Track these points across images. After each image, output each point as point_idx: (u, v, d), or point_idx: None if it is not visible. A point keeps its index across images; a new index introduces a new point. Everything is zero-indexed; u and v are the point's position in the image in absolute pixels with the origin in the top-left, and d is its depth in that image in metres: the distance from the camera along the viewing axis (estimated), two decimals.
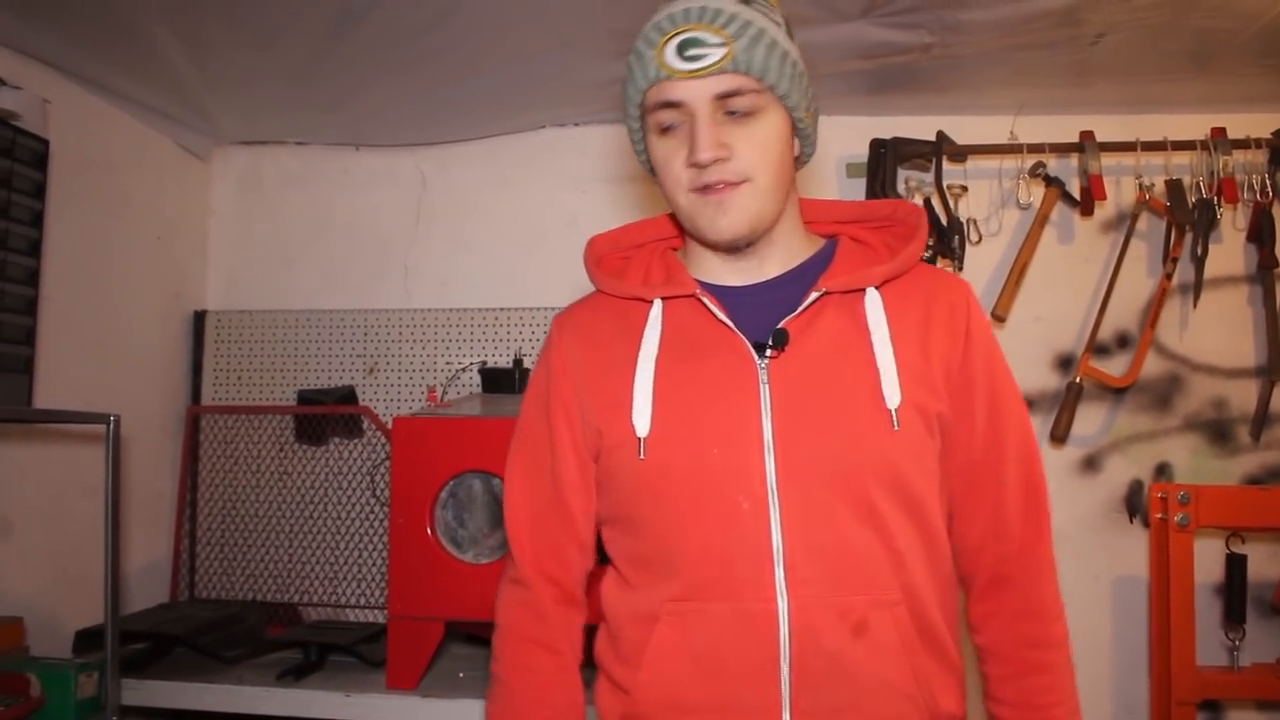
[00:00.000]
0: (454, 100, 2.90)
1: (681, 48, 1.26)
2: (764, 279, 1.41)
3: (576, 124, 3.18)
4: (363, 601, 3.03)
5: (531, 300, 3.12)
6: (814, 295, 1.35)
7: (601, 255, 1.53)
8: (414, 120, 3.09)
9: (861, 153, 2.94)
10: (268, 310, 3.25)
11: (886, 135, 2.88)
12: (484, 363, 3.09)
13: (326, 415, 3.09)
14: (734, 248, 1.37)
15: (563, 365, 1.45)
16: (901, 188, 2.90)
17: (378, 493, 3.05)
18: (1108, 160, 2.87)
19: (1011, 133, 2.91)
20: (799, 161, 1.40)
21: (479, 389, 3.03)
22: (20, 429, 2.45)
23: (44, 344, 2.22)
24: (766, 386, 1.33)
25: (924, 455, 1.35)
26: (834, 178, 3.03)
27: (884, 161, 2.87)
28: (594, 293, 1.50)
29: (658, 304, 1.40)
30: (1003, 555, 1.40)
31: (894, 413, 1.30)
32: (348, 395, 3.11)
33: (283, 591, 3.07)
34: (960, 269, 2.82)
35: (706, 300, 1.37)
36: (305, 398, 3.12)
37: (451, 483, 2.32)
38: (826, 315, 1.37)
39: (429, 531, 2.27)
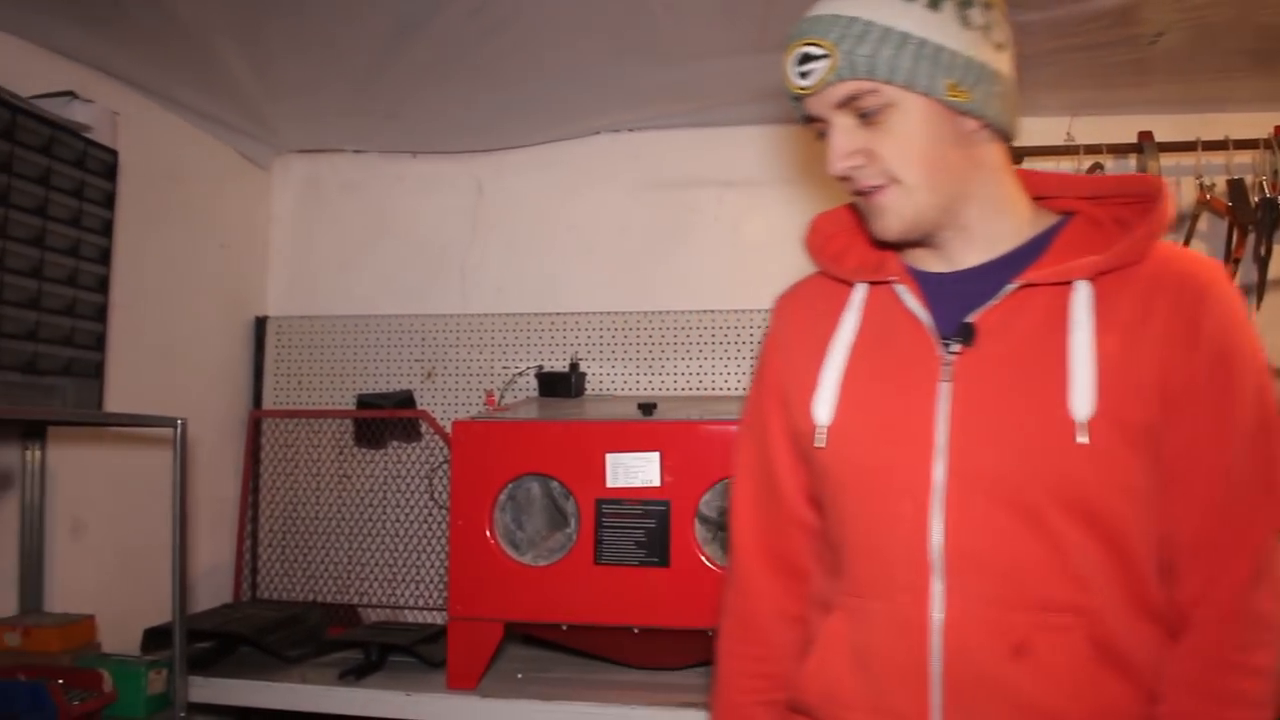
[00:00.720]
0: (510, 108, 2.93)
1: (799, 62, 1.26)
2: (964, 267, 1.34)
3: (631, 130, 3.20)
4: (421, 603, 3.07)
5: (587, 305, 3.15)
6: (1010, 288, 1.27)
7: (828, 234, 1.48)
8: (470, 128, 3.12)
9: None
10: (327, 316, 3.30)
11: None
12: (540, 367, 3.12)
13: (385, 419, 3.13)
14: (910, 243, 1.33)
15: (773, 345, 1.48)
16: None
17: (435, 495, 3.09)
18: (1167, 160, 2.83)
19: (1068, 134, 2.89)
20: (994, 134, 1.29)
21: (536, 393, 3.05)
22: (91, 432, 2.51)
23: (113, 349, 2.27)
24: (948, 385, 1.28)
25: (1121, 473, 1.22)
26: None
27: None
28: (815, 272, 1.48)
29: (860, 288, 1.39)
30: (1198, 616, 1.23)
31: (1082, 425, 1.19)
32: (406, 399, 3.15)
33: (343, 593, 3.12)
34: None
35: (902, 288, 1.33)
36: (364, 402, 3.16)
37: (510, 485, 2.33)
38: (1028, 310, 1.27)
39: (488, 534, 2.29)
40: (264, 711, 2.53)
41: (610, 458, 2.25)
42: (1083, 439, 1.19)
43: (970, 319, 1.29)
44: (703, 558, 2.19)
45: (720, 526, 2.33)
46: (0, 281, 1.91)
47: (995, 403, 1.25)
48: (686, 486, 2.22)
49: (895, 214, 1.28)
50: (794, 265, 3.04)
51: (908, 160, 1.25)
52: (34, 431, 2.30)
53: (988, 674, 1.23)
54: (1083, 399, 1.20)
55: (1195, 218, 2.84)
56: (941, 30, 1.22)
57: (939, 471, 1.26)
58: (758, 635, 1.49)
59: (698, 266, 3.12)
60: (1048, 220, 1.34)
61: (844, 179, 1.28)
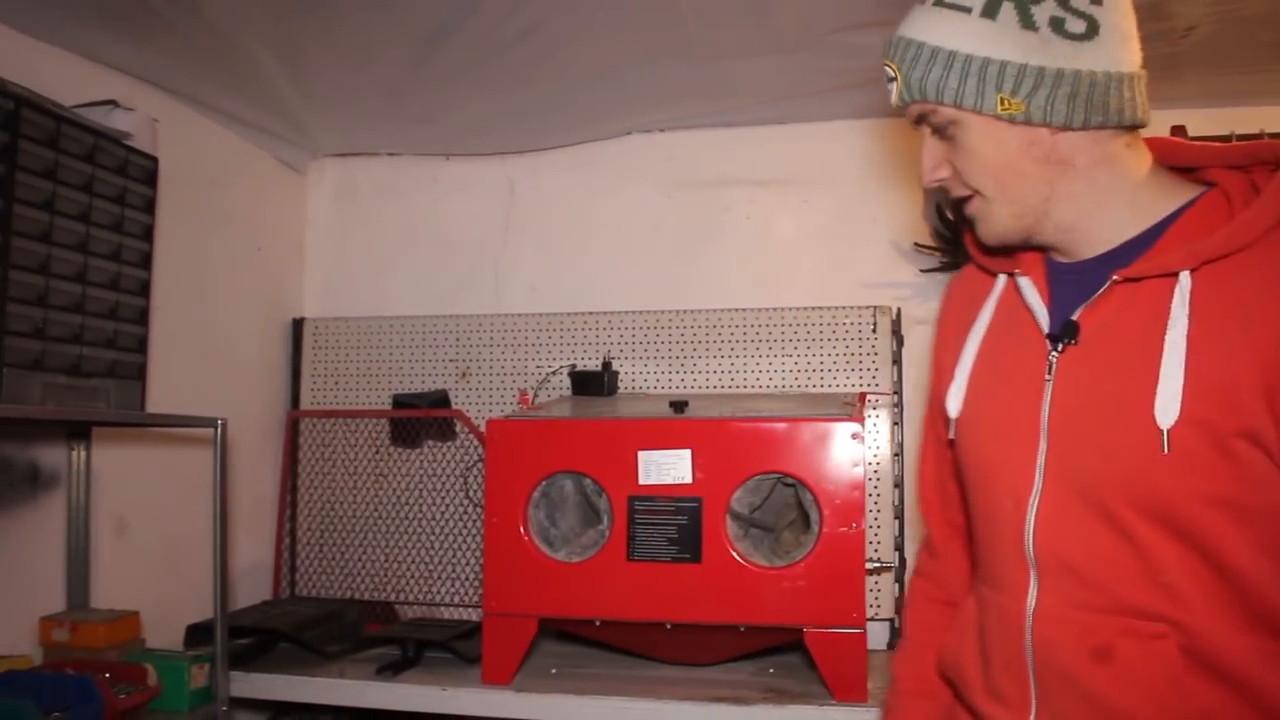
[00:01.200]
0: (541, 110, 2.95)
1: (887, 80, 1.30)
2: (1083, 258, 1.30)
3: (662, 130, 3.21)
4: (457, 600, 3.10)
5: (619, 304, 3.17)
6: (1110, 283, 1.23)
7: None
8: (502, 130, 3.15)
9: None
10: (363, 317, 3.33)
11: None
12: (574, 366, 3.14)
13: (421, 419, 3.16)
14: (1023, 245, 1.33)
15: (937, 329, 1.54)
16: None
17: (470, 494, 3.12)
18: None
19: None
20: (1084, 127, 1.22)
21: (569, 392, 3.08)
22: (134, 432, 2.56)
23: (154, 352, 2.31)
24: (1051, 383, 1.28)
25: (1210, 483, 1.15)
26: (919, 176, 3.01)
27: None
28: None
29: (1001, 279, 1.40)
30: None
31: (1165, 432, 1.14)
32: (441, 399, 3.19)
33: (380, 590, 3.16)
34: None
35: (1025, 280, 1.34)
36: (400, 402, 3.20)
37: (544, 483, 2.35)
38: (1132, 305, 1.23)
39: (522, 531, 2.31)
40: (303, 706, 2.58)
41: (642, 455, 2.27)
42: (1166, 449, 1.14)
43: (1075, 316, 1.27)
44: (734, 554, 2.20)
45: (751, 523, 2.35)
46: (46, 287, 1.96)
47: (1088, 404, 1.24)
48: (718, 483, 2.23)
49: (984, 223, 1.30)
50: (824, 263, 3.07)
51: (980, 173, 1.26)
52: (79, 432, 2.35)
53: (1071, 674, 1.24)
54: (1168, 405, 1.15)
55: None
56: (995, 40, 1.20)
57: (1038, 470, 1.27)
58: (946, 589, 1.58)
59: (729, 265, 3.13)
60: (1183, 198, 1.25)
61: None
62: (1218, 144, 1.28)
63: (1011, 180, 1.25)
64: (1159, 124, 2.84)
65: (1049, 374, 1.28)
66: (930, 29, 1.24)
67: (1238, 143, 1.26)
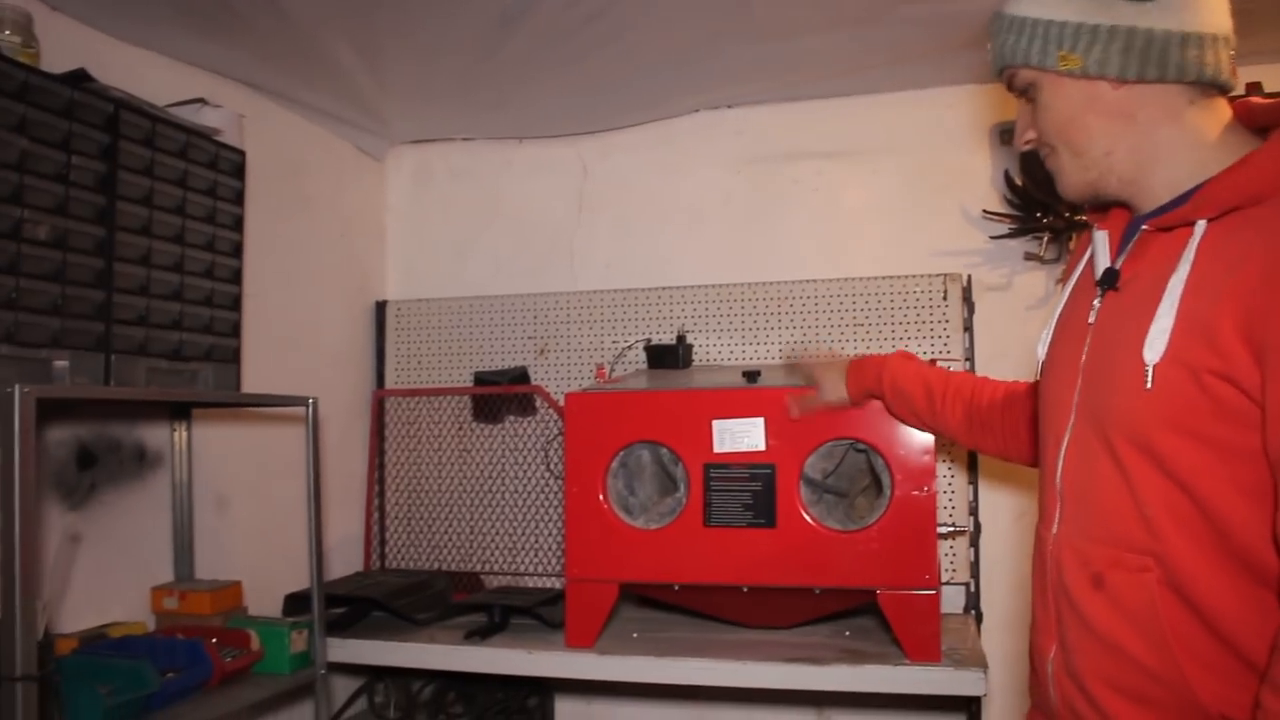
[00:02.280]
0: (610, 92, 3.01)
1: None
2: (1146, 211, 1.36)
3: (730, 106, 3.25)
4: (540, 569, 3.20)
5: (691, 278, 3.22)
6: (1140, 231, 1.34)
7: None
8: (573, 112, 3.21)
9: (1015, 119, 2.92)
10: (443, 298, 3.43)
11: None
12: (649, 340, 3.20)
13: (501, 395, 3.26)
14: (1104, 202, 1.43)
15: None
16: None
17: (551, 466, 3.21)
18: None
19: None
20: (1153, 86, 1.28)
21: (644, 365, 3.14)
22: (231, 413, 2.69)
23: (247, 336, 2.42)
24: (1093, 326, 1.38)
25: (1189, 418, 1.20)
26: (987, 144, 3.02)
27: None
28: None
29: (1097, 232, 1.48)
30: None
31: (1150, 368, 1.22)
32: (521, 376, 3.27)
33: (466, 560, 3.26)
34: None
35: (1099, 234, 1.44)
36: (481, 379, 3.29)
37: (621, 453, 2.41)
38: (1157, 255, 1.30)
39: (601, 499, 2.38)
40: (395, 670, 2.68)
41: (717, 424, 2.33)
42: (1149, 385, 1.23)
43: (1116, 265, 1.38)
44: (807, 518, 2.25)
45: (825, 489, 2.39)
46: (148, 277, 2.07)
47: (1109, 346, 1.34)
48: (791, 450, 2.28)
49: (1062, 175, 1.41)
50: (892, 232, 3.10)
51: (1051, 129, 1.38)
52: (180, 413, 2.48)
53: (1074, 599, 1.34)
54: (1155, 342, 1.23)
55: None
56: (1060, 5, 1.32)
57: (1073, 408, 1.38)
58: (976, 396, 1.96)
59: (799, 237, 3.17)
60: (1237, 154, 1.26)
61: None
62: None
63: (1077, 134, 1.35)
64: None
65: (1091, 318, 1.39)
66: (1012, 1, 1.38)
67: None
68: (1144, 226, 1.33)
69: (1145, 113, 1.31)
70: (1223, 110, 1.31)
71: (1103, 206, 1.45)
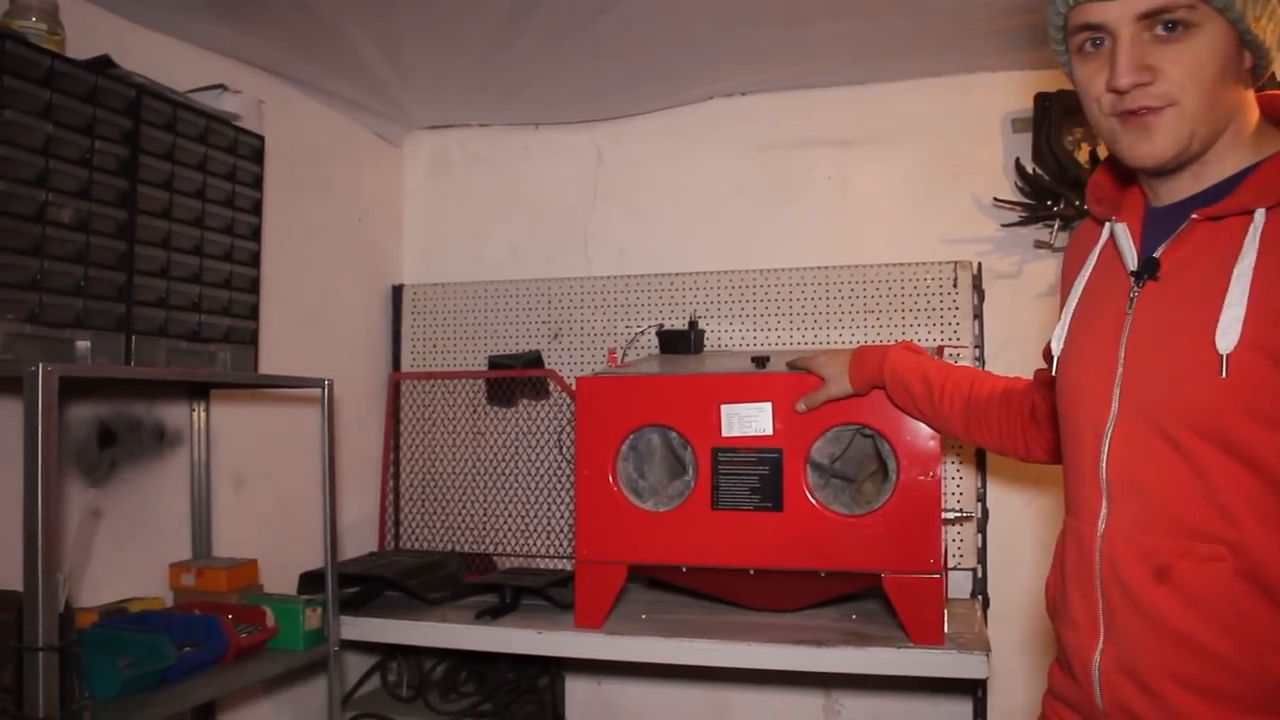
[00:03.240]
0: (625, 78, 3.03)
1: None
2: (1180, 198, 1.35)
3: (743, 94, 3.26)
4: (552, 551, 3.24)
5: (704, 264, 3.24)
6: (1190, 221, 1.30)
7: (1099, 179, 1.52)
8: (588, 99, 3.24)
9: (1027, 107, 2.92)
10: (459, 283, 3.47)
11: (1051, 89, 2.86)
12: (661, 325, 3.22)
13: (515, 379, 3.29)
14: (1159, 171, 1.34)
15: (1060, 276, 1.62)
16: (1069, 141, 2.88)
17: (564, 450, 3.24)
18: None
19: None
20: (1254, 75, 1.29)
21: (657, 350, 3.17)
22: (249, 394, 2.74)
23: (265, 318, 2.46)
24: (1131, 316, 1.34)
25: (1269, 402, 1.19)
26: (999, 132, 3.03)
27: (1049, 115, 2.85)
28: None
29: (1108, 228, 1.45)
30: None
31: (1224, 358, 1.20)
32: (534, 359, 3.31)
33: (478, 542, 3.31)
34: None
35: (1120, 226, 1.39)
36: (495, 363, 3.33)
37: (632, 436, 2.44)
38: (1211, 243, 1.28)
39: (611, 481, 2.41)
40: (408, 648, 2.73)
41: (725, 408, 2.35)
42: (1224, 373, 1.20)
43: (1157, 254, 1.33)
44: (813, 501, 2.28)
45: (832, 473, 2.42)
46: (168, 260, 2.11)
47: (1160, 334, 1.31)
48: (798, 435, 2.31)
49: (1166, 135, 1.26)
50: (903, 220, 3.12)
51: (1196, 84, 1.23)
52: (199, 393, 2.53)
53: (1134, 593, 1.30)
54: (1229, 331, 1.20)
55: None
56: None
57: (1114, 399, 1.35)
58: (979, 390, 1.98)
59: (811, 224, 3.19)
60: (1275, 147, 1.30)
61: (1113, 92, 1.27)
62: None
63: (1216, 99, 1.25)
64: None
65: (1129, 309, 1.35)
66: None
67: None
68: (1193, 215, 1.28)
69: (1243, 97, 1.29)
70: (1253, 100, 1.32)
71: (1111, 202, 1.46)
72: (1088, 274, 1.48)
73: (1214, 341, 1.20)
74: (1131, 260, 1.37)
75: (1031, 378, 1.87)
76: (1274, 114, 1.32)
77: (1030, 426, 1.89)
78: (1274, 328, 1.18)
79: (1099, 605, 1.36)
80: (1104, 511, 1.35)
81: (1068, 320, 1.48)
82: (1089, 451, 1.38)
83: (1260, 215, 1.23)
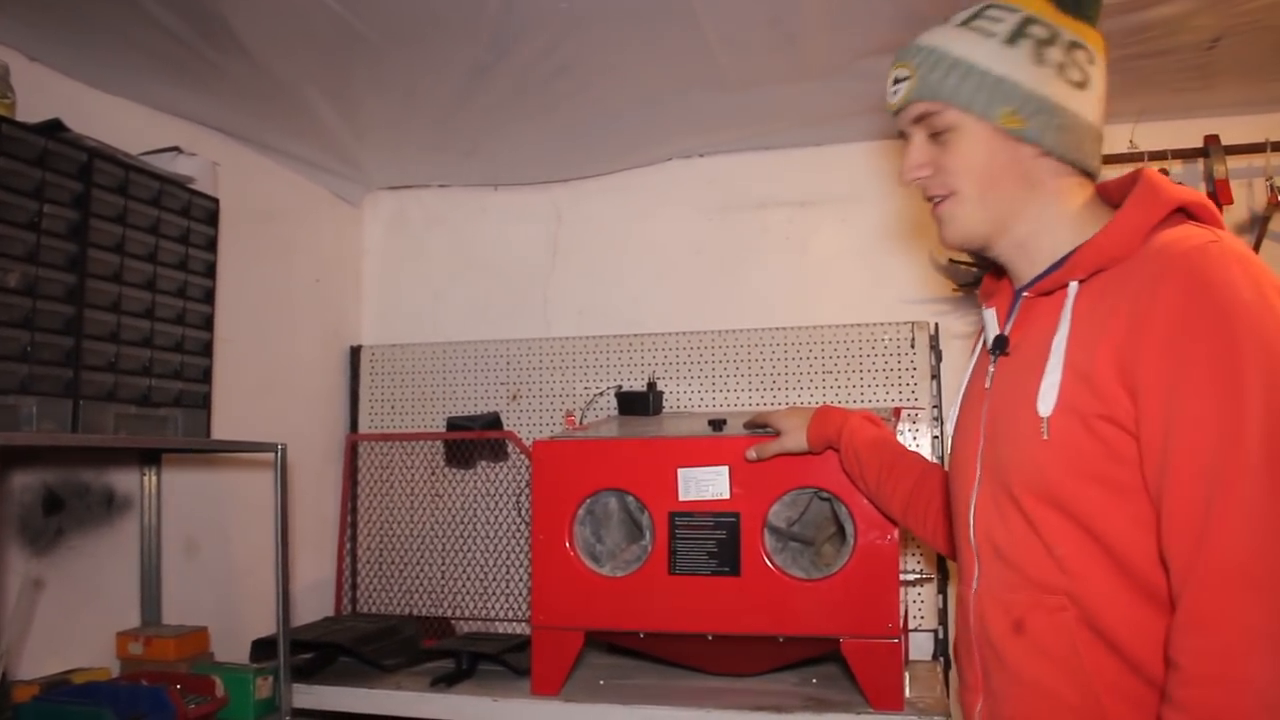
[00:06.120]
0: (584, 140, 3.06)
1: (892, 82, 1.47)
2: (1028, 278, 1.45)
3: (701, 155, 3.30)
4: (511, 615, 3.20)
5: (663, 325, 3.25)
6: (1022, 298, 1.44)
7: (990, 274, 1.64)
8: (547, 160, 3.26)
9: None
10: (418, 344, 3.45)
11: None
12: (619, 386, 3.22)
13: (474, 440, 3.27)
14: (980, 254, 1.51)
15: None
16: None
17: (523, 512, 3.22)
18: (1236, 163, 2.80)
19: (1131, 141, 2.87)
20: (1060, 162, 1.39)
21: (615, 411, 3.16)
22: (201, 458, 2.70)
23: (219, 381, 2.43)
24: (990, 390, 1.46)
25: (1088, 463, 1.27)
26: None
27: None
28: None
29: (985, 310, 1.55)
30: (1176, 577, 1.19)
31: (1045, 420, 1.29)
32: (493, 421, 3.29)
33: (436, 605, 3.27)
34: None
35: (988, 311, 1.51)
36: (454, 424, 3.31)
37: (588, 500, 2.42)
38: (1040, 317, 1.40)
39: (568, 546, 2.39)
40: (362, 717, 2.67)
41: (682, 472, 2.34)
42: (1046, 435, 1.30)
43: (1005, 331, 1.47)
44: (771, 566, 2.26)
45: (790, 536, 2.41)
46: (118, 324, 2.09)
47: (1006, 405, 1.41)
48: (755, 498, 2.30)
49: (952, 223, 1.45)
50: (860, 281, 3.14)
51: (964, 174, 1.41)
52: (150, 458, 2.49)
53: (998, 647, 1.39)
54: (1046, 396, 1.30)
55: (1266, 220, 2.79)
56: (1010, 64, 1.37)
57: (978, 467, 1.44)
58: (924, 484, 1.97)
59: (770, 285, 3.21)
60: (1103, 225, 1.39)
61: (920, 187, 1.48)
62: (1121, 178, 1.44)
63: (990, 188, 1.41)
64: (1193, 133, 2.85)
65: (988, 383, 1.47)
66: (953, 43, 1.41)
67: (1123, 175, 1.44)
68: (1024, 294, 1.43)
69: (1051, 184, 1.41)
70: (1088, 189, 1.44)
71: (977, 282, 1.53)
72: (975, 357, 1.58)
73: (1036, 407, 1.31)
74: (989, 339, 1.49)
75: None
76: (1111, 199, 1.44)
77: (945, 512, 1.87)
78: (1082, 391, 1.27)
79: (978, 662, 1.44)
80: (976, 573, 1.45)
81: (959, 402, 1.58)
82: (962, 518, 1.48)
83: (1073, 288, 1.34)
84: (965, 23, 1.42)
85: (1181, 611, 1.16)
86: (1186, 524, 1.17)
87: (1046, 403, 1.30)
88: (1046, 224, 1.42)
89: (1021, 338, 1.43)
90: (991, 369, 1.47)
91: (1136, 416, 1.22)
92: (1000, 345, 1.46)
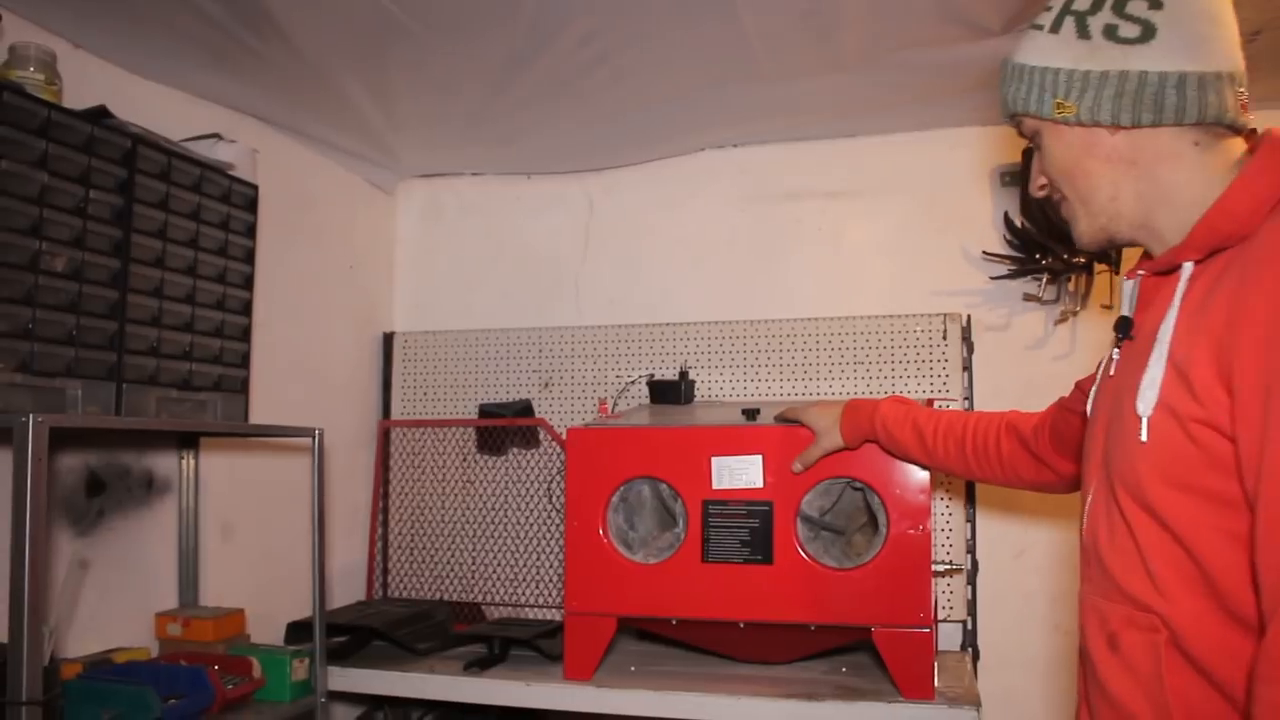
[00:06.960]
0: (618, 130, 3.06)
1: None
2: (1161, 253, 1.32)
3: (735, 145, 3.30)
4: (541, 601, 3.22)
5: (696, 315, 3.26)
6: (1138, 278, 1.34)
7: None
8: (581, 150, 3.27)
9: (1016, 161, 2.96)
10: (450, 331, 3.47)
11: None
12: (651, 375, 3.23)
13: (506, 427, 3.29)
14: (1116, 249, 1.45)
15: None
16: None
17: (553, 499, 3.23)
18: None
19: None
20: (1138, 124, 1.27)
21: (647, 400, 3.17)
22: (238, 442, 2.73)
23: (256, 366, 2.46)
24: (1112, 379, 1.36)
25: (1182, 470, 1.16)
26: (988, 186, 3.06)
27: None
28: None
29: (1126, 281, 1.44)
30: (1267, 597, 1.07)
31: (1144, 420, 1.19)
32: (525, 408, 3.31)
33: (467, 591, 3.29)
34: (1118, 273, 2.81)
35: (1128, 284, 1.38)
36: (486, 411, 3.33)
37: (622, 488, 2.44)
38: (1157, 299, 1.29)
39: (601, 533, 2.41)
40: (395, 699, 2.70)
41: (715, 461, 2.36)
42: (1144, 437, 1.19)
43: (1129, 313, 1.36)
44: (803, 555, 2.27)
45: (822, 526, 2.42)
46: (160, 309, 2.11)
47: (1119, 397, 1.29)
48: (788, 488, 2.31)
49: (1074, 227, 1.40)
50: (892, 272, 3.14)
51: (1057, 176, 1.38)
52: (189, 442, 2.52)
53: (1094, 661, 1.30)
54: (1146, 393, 1.19)
55: None
56: (1052, 51, 1.33)
57: (1096, 465, 1.36)
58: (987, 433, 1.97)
59: (801, 276, 3.21)
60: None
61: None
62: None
63: (1081, 180, 1.35)
64: None
65: (1111, 370, 1.37)
66: (1016, 50, 1.38)
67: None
68: (1140, 272, 1.33)
69: (1146, 156, 1.28)
70: (1236, 149, 1.27)
71: (1111, 253, 1.48)
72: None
73: (1135, 404, 1.21)
74: (1120, 320, 1.37)
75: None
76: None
77: (1052, 454, 1.83)
78: (1181, 392, 1.15)
79: (1083, 672, 1.36)
80: (1085, 575, 1.37)
81: (1098, 383, 1.45)
82: (1080, 515, 1.39)
83: (1187, 269, 1.23)
84: (1030, 25, 1.38)
85: (1269, 638, 1.04)
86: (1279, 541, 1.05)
87: (1146, 401, 1.19)
88: (1163, 198, 1.28)
89: (1142, 321, 1.31)
90: (1116, 354, 1.36)
91: (1233, 419, 1.10)
92: (1123, 328, 1.35)
